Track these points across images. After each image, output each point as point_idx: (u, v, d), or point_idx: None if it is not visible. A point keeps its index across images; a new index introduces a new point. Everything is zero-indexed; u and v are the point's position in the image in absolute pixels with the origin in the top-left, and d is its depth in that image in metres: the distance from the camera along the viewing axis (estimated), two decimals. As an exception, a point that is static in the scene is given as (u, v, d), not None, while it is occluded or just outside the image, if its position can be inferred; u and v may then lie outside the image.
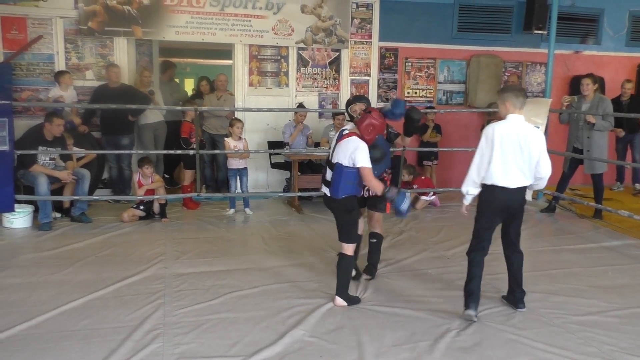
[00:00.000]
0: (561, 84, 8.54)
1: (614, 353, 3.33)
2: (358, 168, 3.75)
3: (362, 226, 4.44)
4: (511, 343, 3.44)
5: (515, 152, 3.65)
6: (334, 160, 3.83)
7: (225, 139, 6.70)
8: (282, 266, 4.80)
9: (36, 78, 6.99)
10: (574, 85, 8.45)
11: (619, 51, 8.92)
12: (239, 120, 6.72)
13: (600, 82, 7.41)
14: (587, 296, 4.23)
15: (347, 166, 3.76)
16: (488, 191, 3.72)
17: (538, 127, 6.68)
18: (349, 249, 3.93)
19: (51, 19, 6.94)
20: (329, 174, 3.90)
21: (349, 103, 4.40)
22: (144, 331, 3.49)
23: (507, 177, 3.66)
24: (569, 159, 6.75)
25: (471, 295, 3.73)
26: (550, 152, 7.39)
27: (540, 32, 8.14)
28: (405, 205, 3.82)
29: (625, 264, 5.05)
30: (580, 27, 8.74)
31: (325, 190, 3.93)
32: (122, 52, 7.24)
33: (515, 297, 3.97)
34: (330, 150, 3.97)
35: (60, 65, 7.01)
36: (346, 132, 3.90)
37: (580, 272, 4.78)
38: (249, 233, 6.01)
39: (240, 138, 6.68)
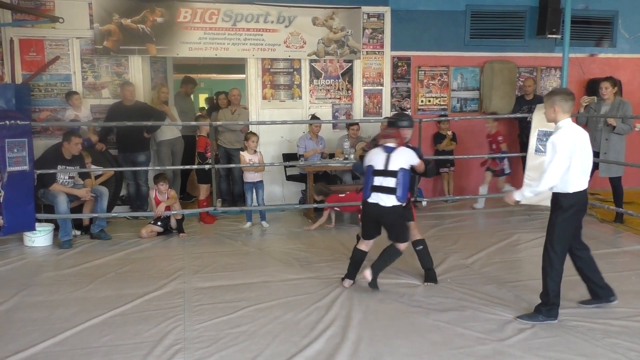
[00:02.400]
0: (577, 88, 8.45)
1: (641, 360, 3.27)
2: (410, 168, 4.34)
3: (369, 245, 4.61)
4: (533, 350, 3.38)
5: (587, 155, 3.75)
6: (393, 168, 4.27)
7: (241, 152, 6.73)
8: (300, 278, 4.79)
9: (54, 98, 7.12)
10: (590, 89, 8.38)
11: (634, 53, 8.82)
12: (254, 134, 6.76)
13: (618, 85, 7.32)
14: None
15: (407, 169, 4.29)
16: (575, 197, 3.71)
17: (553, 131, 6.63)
18: (404, 246, 4.40)
19: (68, 39, 7.08)
20: (381, 182, 4.28)
21: (399, 124, 4.66)
22: (165, 346, 3.50)
23: (584, 180, 3.75)
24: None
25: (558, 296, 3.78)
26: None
27: (554, 36, 8.09)
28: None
29: (649, 268, 4.96)
30: (595, 29, 8.66)
31: (377, 199, 4.28)
32: (137, 70, 7.34)
33: (601, 293, 4.04)
34: (375, 163, 4.35)
35: (77, 84, 7.13)
36: (393, 145, 4.39)
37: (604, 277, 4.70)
38: (266, 246, 6.01)
39: (255, 151, 6.71)
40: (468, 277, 4.77)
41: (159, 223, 6.35)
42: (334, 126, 8.03)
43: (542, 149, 6.62)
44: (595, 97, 6.72)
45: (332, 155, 7.51)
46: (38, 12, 6.87)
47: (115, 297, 4.36)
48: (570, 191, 3.69)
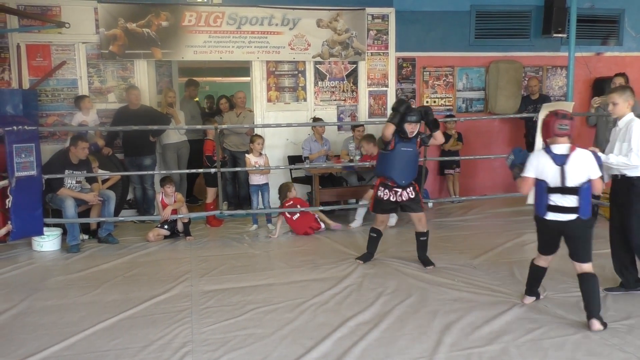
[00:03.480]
0: (583, 87, 8.42)
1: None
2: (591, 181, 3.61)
3: (383, 220, 5.19)
4: (543, 350, 3.37)
5: None
6: (572, 184, 3.59)
7: (246, 155, 6.75)
8: (306, 280, 4.80)
9: (61, 103, 7.16)
10: (597, 88, 8.35)
11: (641, 51, 8.78)
12: (260, 137, 6.77)
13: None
14: (619, 301, 4.14)
15: (589, 182, 3.61)
16: None
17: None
18: (591, 267, 3.71)
19: (74, 44, 7.12)
20: (564, 200, 3.63)
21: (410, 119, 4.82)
22: (173, 349, 3.50)
23: None
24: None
25: None
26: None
27: (559, 35, 8.06)
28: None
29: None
30: (601, 28, 8.62)
31: (563, 216, 3.65)
32: (143, 74, 7.37)
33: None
34: (547, 175, 3.66)
35: (83, 89, 7.17)
36: (565, 150, 3.64)
37: (612, 276, 4.68)
38: (273, 248, 6.01)
39: (260, 154, 6.72)
40: (476, 277, 4.75)
41: (166, 226, 6.37)
42: (339, 128, 8.03)
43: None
44: (607, 97, 6.67)
45: (337, 157, 7.50)
46: (44, 17, 6.91)
47: (123, 300, 4.37)
48: None
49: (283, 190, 6.65)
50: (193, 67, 10.61)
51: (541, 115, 6.71)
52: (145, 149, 7.07)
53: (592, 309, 3.62)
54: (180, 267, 5.24)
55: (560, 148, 3.64)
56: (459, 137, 7.99)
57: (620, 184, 4.11)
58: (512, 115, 7.92)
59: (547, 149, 3.67)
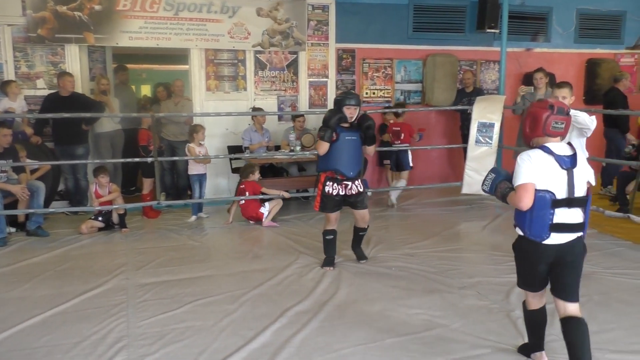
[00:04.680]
0: (514, 81, 8.77)
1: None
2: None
3: (336, 220, 4.83)
4: (477, 333, 3.51)
5: None
6: (580, 193, 2.76)
7: (190, 144, 6.62)
8: (246, 271, 4.78)
9: (-16, 88, 6.76)
10: (526, 82, 8.71)
11: (568, 48, 9.21)
12: (202, 127, 6.67)
13: (551, 78, 7.63)
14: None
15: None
16: None
17: (494, 123, 6.89)
18: (578, 308, 2.87)
19: (-2, 27, 6.73)
20: (571, 216, 2.76)
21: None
22: (108, 344, 3.42)
23: None
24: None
25: None
26: (505, 147, 7.64)
27: (492, 30, 8.33)
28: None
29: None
30: (531, 25, 8.98)
31: (569, 235, 2.78)
32: (74, 60, 7.07)
33: None
34: (552, 184, 2.71)
35: (9, 74, 6.80)
36: (569, 149, 2.79)
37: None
38: (213, 239, 5.95)
39: (200, 144, 6.63)
40: (412, 265, 4.88)
41: (100, 218, 6.17)
42: (280, 118, 8.01)
43: (482, 140, 6.87)
44: (532, 87, 6.98)
45: (277, 148, 7.49)
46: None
47: (54, 295, 4.21)
48: None
49: (246, 170, 6.55)
50: (129, 54, 10.25)
51: (476, 108, 6.99)
52: (77, 138, 6.80)
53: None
54: (116, 260, 5.10)
55: (559, 147, 2.75)
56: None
57: None
58: (447, 108, 8.14)
59: (545, 148, 2.74)
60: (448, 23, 8.57)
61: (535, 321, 3.09)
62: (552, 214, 2.71)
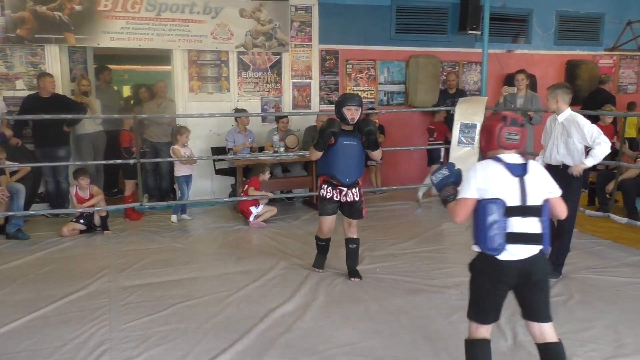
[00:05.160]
0: (496, 82, 8.85)
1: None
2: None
3: (330, 228, 4.59)
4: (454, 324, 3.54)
5: None
6: (534, 202, 2.58)
7: (175, 146, 6.56)
8: (230, 273, 4.76)
9: (-38, 89, 6.65)
10: (508, 83, 8.79)
11: (548, 49, 9.33)
12: (187, 129, 6.62)
13: (531, 80, 7.73)
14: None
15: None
16: None
17: (476, 124, 6.95)
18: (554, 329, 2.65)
19: (-24, 27, 6.63)
20: (526, 225, 2.56)
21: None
22: (90, 348, 3.38)
23: None
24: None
25: None
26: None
27: (474, 32, 8.40)
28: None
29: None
30: (512, 27, 9.09)
31: (525, 251, 2.56)
32: (55, 60, 6.98)
33: None
34: (503, 192, 2.56)
35: (-13, 75, 6.70)
36: (521, 159, 2.67)
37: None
38: (196, 241, 5.92)
39: (185, 145, 6.58)
40: (396, 265, 4.90)
41: (82, 221, 6.10)
42: (263, 119, 7.99)
43: (465, 141, 6.93)
44: (515, 88, 7.07)
45: (261, 149, 7.47)
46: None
47: (35, 299, 4.15)
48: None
49: (258, 169, 6.60)
50: (110, 54, 10.15)
51: (458, 109, 7.05)
52: (58, 140, 6.71)
53: None
54: (98, 263, 5.04)
55: (511, 157, 2.65)
56: (381, 129, 8.18)
57: (562, 172, 4.38)
58: (430, 109, 8.19)
59: (496, 158, 2.65)
60: (430, 24, 8.63)
61: (481, 356, 2.65)
62: (506, 223, 2.53)
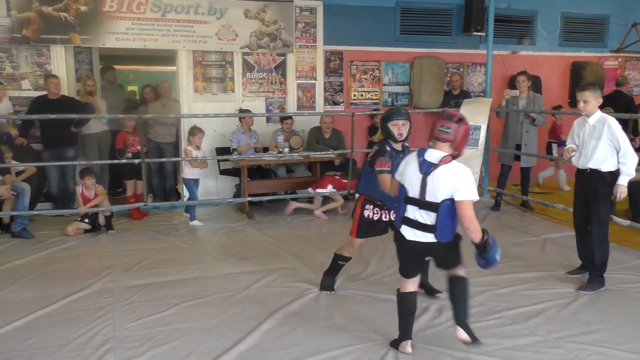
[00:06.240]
0: (500, 84, 8.83)
1: (558, 340, 3.48)
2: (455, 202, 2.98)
3: (359, 247, 4.23)
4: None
5: None
6: (431, 199, 3.00)
7: (188, 147, 6.53)
8: (234, 273, 4.76)
9: (-32, 89, 6.68)
10: (512, 85, 8.78)
11: (553, 51, 9.31)
12: (201, 130, 6.55)
13: (535, 81, 7.71)
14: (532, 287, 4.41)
15: (452, 201, 2.97)
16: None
17: (480, 126, 6.94)
18: (463, 270, 3.24)
19: (-18, 27, 6.66)
20: (414, 214, 3.08)
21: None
22: (94, 347, 3.39)
23: None
24: (509, 154, 6.97)
25: None
26: (491, 149, 7.68)
27: (479, 33, 8.40)
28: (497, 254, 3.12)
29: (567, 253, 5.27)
30: (516, 28, 9.07)
31: (411, 235, 3.11)
32: (60, 61, 7.01)
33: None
34: (408, 182, 3.09)
35: (-7, 75, 6.74)
36: (435, 157, 3.01)
37: (525, 264, 4.97)
38: (200, 241, 5.92)
39: (198, 148, 6.54)
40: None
41: (86, 220, 6.12)
42: (268, 120, 8.00)
43: (469, 143, 6.91)
44: (518, 91, 7.04)
45: (266, 149, 7.48)
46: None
47: (39, 298, 4.17)
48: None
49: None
50: (115, 55, 10.19)
51: (463, 111, 7.04)
52: (67, 140, 6.74)
53: (460, 317, 3.17)
54: (102, 262, 5.06)
55: (432, 154, 3.02)
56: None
57: (590, 177, 4.28)
58: (435, 110, 8.17)
59: (421, 151, 3.08)
60: (435, 26, 8.62)
61: (406, 306, 3.27)
62: (404, 208, 3.10)
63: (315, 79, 8.18)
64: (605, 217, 4.31)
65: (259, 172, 7.43)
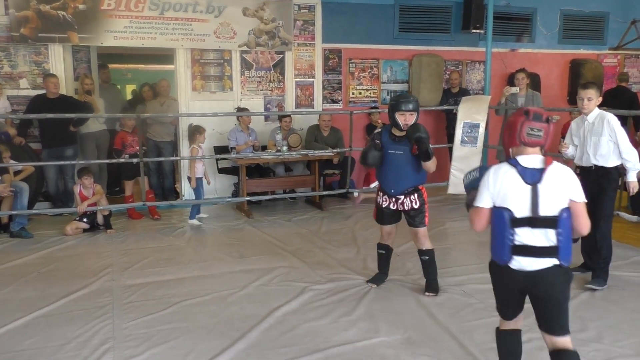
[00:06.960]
0: (499, 81, 8.82)
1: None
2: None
3: (388, 235, 4.33)
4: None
5: None
6: (547, 213, 2.43)
7: (195, 145, 6.51)
8: (233, 272, 4.76)
9: (-34, 88, 6.67)
10: (512, 82, 8.77)
11: (552, 48, 9.30)
12: (204, 129, 6.54)
13: (534, 79, 7.70)
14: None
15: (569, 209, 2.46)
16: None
17: (479, 124, 6.94)
18: (570, 341, 2.55)
19: (-20, 26, 6.64)
20: (535, 238, 2.45)
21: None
22: (93, 347, 3.38)
23: None
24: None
25: None
26: (490, 147, 7.68)
27: (477, 31, 8.38)
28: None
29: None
30: (515, 25, 9.06)
31: (537, 261, 2.46)
32: (58, 60, 6.99)
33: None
34: (511, 201, 2.47)
35: (-9, 74, 6.72)
36: (539, 163, 2.49)
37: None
38: (199, 240, 5.92)
39: (200, 146, 6.52)
40: (399, 265, 4.89)
41: (85, 219, 6.11)
42: (266, 118, 7.99)
43: (467, 140, 6.92)
44: (517, 88, 7.04)
45: (264, 148, 7.47)
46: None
47: (38, 297, 4.16)
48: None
49: None
50: (114, 53, 10.18)
51: (461, 109, 7.04)
52: (66, 139, 6.72)
53: None
54: (101, 262, 5.05)
55: (530, 160, 2.49)
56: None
57: (596, 174, 4.29)
58: (434, 108, 8.18)
59: (512, 161, 2.53)
60: (434, 23, 8.61)
61: (507, 348, 2.71)
62: (513, 234, 2.45)
63: (313, 77, 8.16)
64: (610, 212, 4.33)
65: (257, 170, 7.42)
